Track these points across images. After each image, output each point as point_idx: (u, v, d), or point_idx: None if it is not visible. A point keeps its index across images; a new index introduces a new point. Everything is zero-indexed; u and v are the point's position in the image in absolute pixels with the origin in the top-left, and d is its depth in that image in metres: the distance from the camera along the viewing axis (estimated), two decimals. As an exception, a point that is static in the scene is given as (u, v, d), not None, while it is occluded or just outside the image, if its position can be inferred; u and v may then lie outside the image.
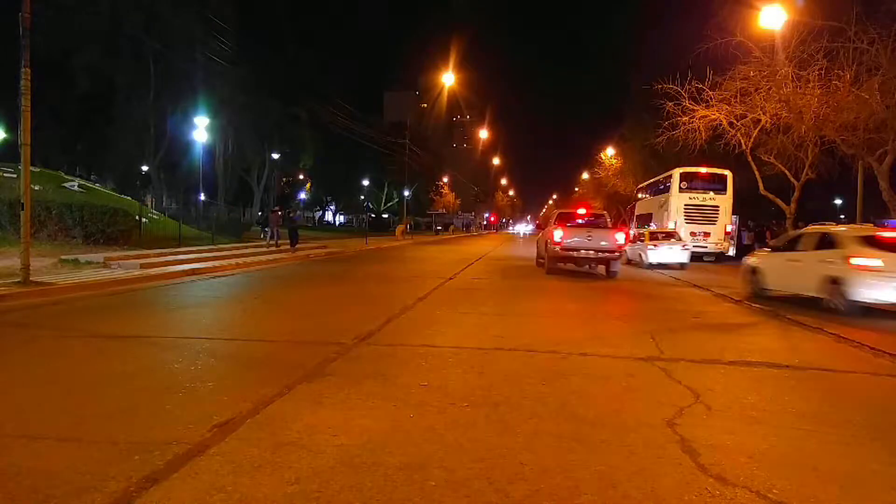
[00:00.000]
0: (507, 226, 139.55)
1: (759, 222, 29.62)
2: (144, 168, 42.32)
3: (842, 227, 11.37)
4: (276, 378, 5.10)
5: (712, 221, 25.25)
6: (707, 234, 25.18)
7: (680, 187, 25.59)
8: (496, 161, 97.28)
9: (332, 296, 11.79)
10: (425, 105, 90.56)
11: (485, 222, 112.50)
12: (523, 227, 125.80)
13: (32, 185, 11.90)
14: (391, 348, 6.49)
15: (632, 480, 3.23)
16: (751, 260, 12.95)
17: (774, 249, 12.44)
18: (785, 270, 11.38)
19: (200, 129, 30.06)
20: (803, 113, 18.05)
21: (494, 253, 29.72)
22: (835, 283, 9.85)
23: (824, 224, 12.30)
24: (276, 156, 48.30)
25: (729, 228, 25.38)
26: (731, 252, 25.76)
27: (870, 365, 6.47)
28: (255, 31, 39.36)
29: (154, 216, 25.68)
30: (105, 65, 32.55)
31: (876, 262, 9.41)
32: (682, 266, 20.28)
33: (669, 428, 4.09)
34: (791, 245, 11.75)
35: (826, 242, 10.56)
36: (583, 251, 15.62)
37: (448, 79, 45.59)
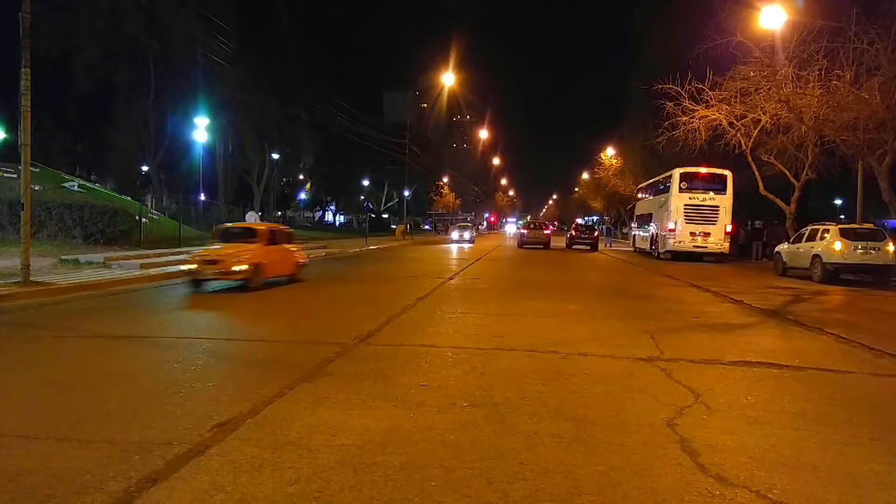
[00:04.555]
0: (504, 226, 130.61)
1: (756, 222, 29.59)
2: (144, 168, 42.35)
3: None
4: (276, 378, 5.10)
5: (712, 221, 25.22)
6: (707, 234, 25.17)
7: (680, 187, 25.57)
8: (496, 161, 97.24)
9: (331, 296, 11.79)
10: (425, 105, 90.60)
11: (485, 223, 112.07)
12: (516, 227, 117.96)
13: (32, 185, 11.90)
14: (391, 348, 6.49)
15: (632, 480, 3.23)
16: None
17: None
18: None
19: (200, 129, 30.08)
20: (803, 113, 18.06)
21: (494, 254, 29.72)
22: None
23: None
24: (276, 156, 48.29)
25: (729, 228, 25.37)
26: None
27: (870, 365, 6.46)
28: (255, 31, 39.35)
29: (154, 216, 25.70)
30: (105, 65, 32.55)
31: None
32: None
33: (669, 428, 4.09)
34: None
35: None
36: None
37: (448, 79, 45.56)
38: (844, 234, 16.33)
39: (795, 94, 17.91)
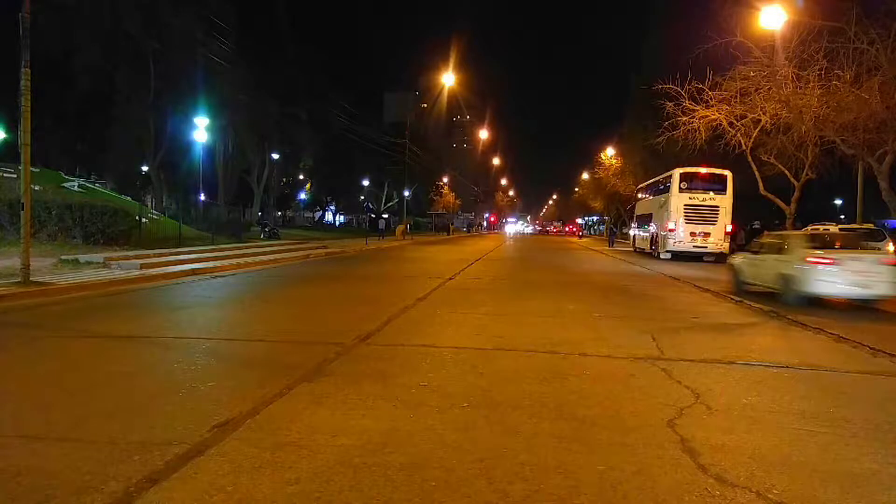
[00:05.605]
0: (504, 226, 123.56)
1: (755, 223, 29.64)
2: (144, 168, 42.30)
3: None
4: (276, 378, 5.10)
5: (712, 222, 25.24)
6: (707, 235, 25.17)
7: (680, 187, 25.58)
8: (496, 161, 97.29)
9: (332, 296, 11.79)
10: (425, 105, 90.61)
11: (485, 223, 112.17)
12: (517, 227, 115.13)
13: (32, 185, 11.89)
14: (391, 348, 6.49)
15: (632, 480, 3.23)
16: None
17: None
18: None
19: (200, 129, 30.05)
20: (803, 113, 18.05)
21: (494, 254, 29.72)
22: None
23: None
24: (276, 156, 48.28)
25: (729, 228, 25.38)
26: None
27: (869, 365, 6.47)
28: (255, 31, 39.33)
29: (154, 216, 25.70)
30: (105, 65, 32.54)
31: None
32: None
33: (669, 428, 4.09)
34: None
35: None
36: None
37: (448, 79, 45.58)
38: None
39: (795, 95, 17.91)
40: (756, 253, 13.16)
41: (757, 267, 12.80)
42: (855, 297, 11.05)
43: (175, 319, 8.57)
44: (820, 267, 10.63)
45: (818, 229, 17.41)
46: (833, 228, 16.87)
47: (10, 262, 12.10)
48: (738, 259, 14.00)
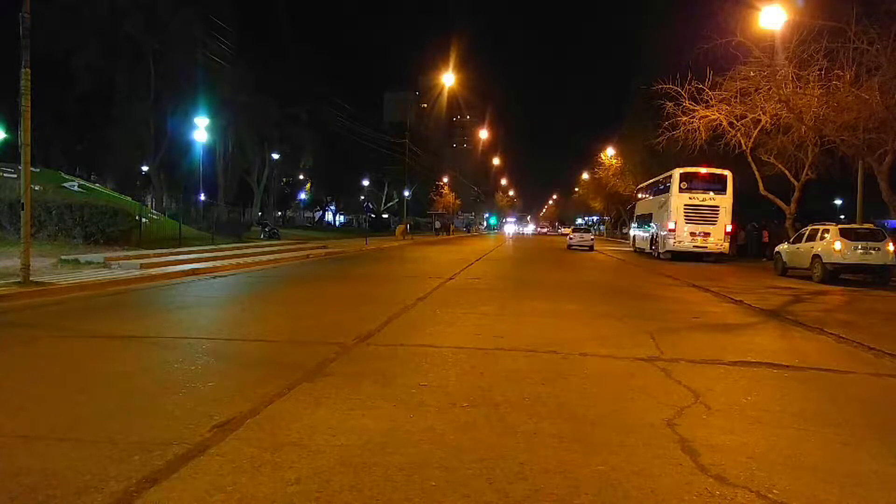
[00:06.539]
0: (504, 226, 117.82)
1: (759, 222, 29.63)
2: (144, 168, 42.33)
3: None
4: (276, 378, 5.10)
5: (712, 222, 25.24)
6: (707, 235, 25.17)
7: (680, 187, 25.58)
8: (496, 161, 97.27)
9: (331, 296, 11.79)
10: (425, 105, 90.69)
11: (485, 223, 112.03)
12: (517, 227, 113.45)
13: (32, 185, 11.89)
14: (391, 348, 6.49)
15: (632, 480, 3.23)
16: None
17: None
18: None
19: (200, 129, 30.09)
20: (803, 113, 18.07)
21: (494, 254, 29.73)
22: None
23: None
24: (276, 156, 48.31)
25: (729, 228, 25.38)
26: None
27: (870, 365, 6.46)
28: (255, 31, 39.44)
29: (154, 216, 25.70)
30: (105, 65, 32.57)
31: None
32: None
33: (669, 428, 4.08)
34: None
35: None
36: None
37: (448, 79, 45.54)
38: (844, 234, 16.38)
39: (795, 94, 17.92)
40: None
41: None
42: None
43: (175, 319, 8.57)
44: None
45: (817, 230, 17.44)
46: (833, 228, 16.86)
47: (10, 262, 12.10)
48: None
